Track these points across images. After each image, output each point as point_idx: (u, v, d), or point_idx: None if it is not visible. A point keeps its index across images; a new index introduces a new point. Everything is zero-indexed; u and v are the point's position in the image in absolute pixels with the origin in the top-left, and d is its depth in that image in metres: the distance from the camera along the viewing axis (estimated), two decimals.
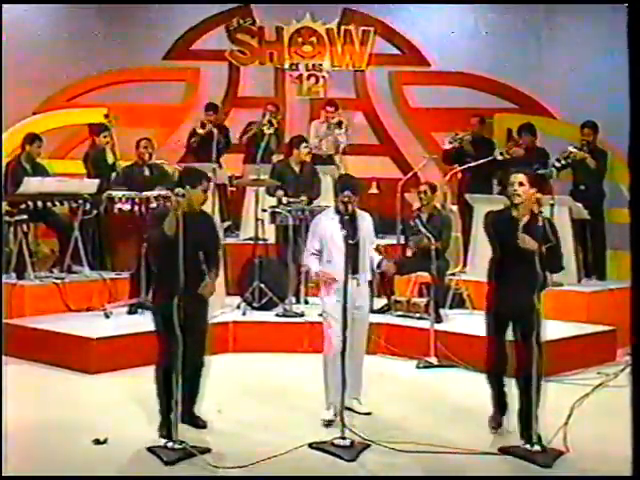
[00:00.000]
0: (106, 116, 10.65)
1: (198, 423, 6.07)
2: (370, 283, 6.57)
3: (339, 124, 11.24)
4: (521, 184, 5.93)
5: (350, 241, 5.94)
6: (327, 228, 6.19)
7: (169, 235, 5.57)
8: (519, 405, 5.84)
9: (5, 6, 10.02)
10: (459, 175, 11.05)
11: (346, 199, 6.08)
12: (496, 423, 6.13)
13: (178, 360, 5.54)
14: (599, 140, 9.93)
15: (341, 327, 5.85)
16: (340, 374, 5.76)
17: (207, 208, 8.90)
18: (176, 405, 5.56)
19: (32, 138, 9.61)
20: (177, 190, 5.68)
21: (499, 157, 10.18)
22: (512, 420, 6.05)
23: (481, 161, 10.24)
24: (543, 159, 9.98)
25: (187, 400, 5.92)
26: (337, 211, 6.20)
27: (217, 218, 9.84)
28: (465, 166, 10.56)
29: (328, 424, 6.06)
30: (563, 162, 9.62)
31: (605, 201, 9.97)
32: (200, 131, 11.21)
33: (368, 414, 6.39)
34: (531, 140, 10.42)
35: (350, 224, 6.02)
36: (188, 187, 5.78)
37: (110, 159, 10.28)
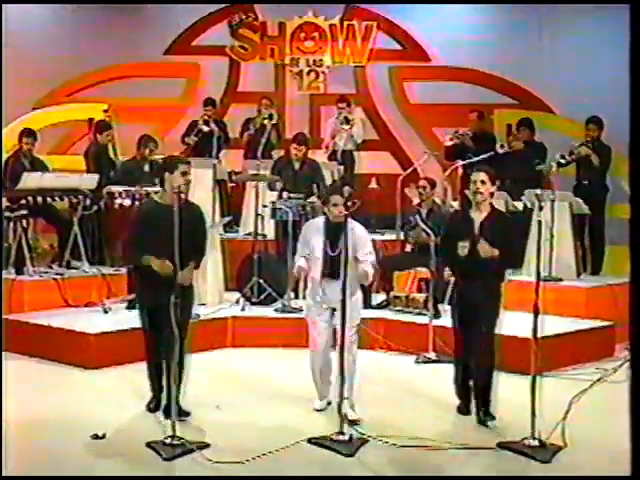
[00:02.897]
0: (105, 111, 10.64)
1: (181, 414, 5.94)
2: (362, 287, 6.44)
3: (346, 120, 11.23)
4: (483, 182, 6.06)
5: (331, 253, 6.10)
6: (313, 238, 6.25)
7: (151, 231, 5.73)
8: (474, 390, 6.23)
9: (5, 4, 10.03)
10: (460, 171, 11.06)
11: (339, 202, 6.07)
12: (465, 411, 6.30)
13: (167, 353, 5.69)
14: (603, 135, 9.94)
15: (323, 325, 6.23)
16: (331, 369, 5.98)
17: (207, 204, 9.11)
18: (176, 403, 5.58)
19: (22, 133, 9.62)
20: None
21: (500, 150, 10.20)
22: (509, 414, 6.07)
23: (482, 157, 10.23)
24: (541, 153, 10.05)
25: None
26: (326, 220, 6.22)
27: (217, 213, 9.85)
28: (465, 162, 10.56)
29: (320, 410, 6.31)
30: (568, 159, 9.63)
31: (608, 196, 9.97)
32: (205, 129, 11.23)
33: (356, 422, 5.93)
34: (529, 135, 10.45)
35: (335, 234, 6.00)
36: (167, 173, 5.91)
37: (112, 155, 10.29)
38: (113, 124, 10.58)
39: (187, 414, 6.04)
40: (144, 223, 5.96)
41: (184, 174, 5.86)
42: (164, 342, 5.74)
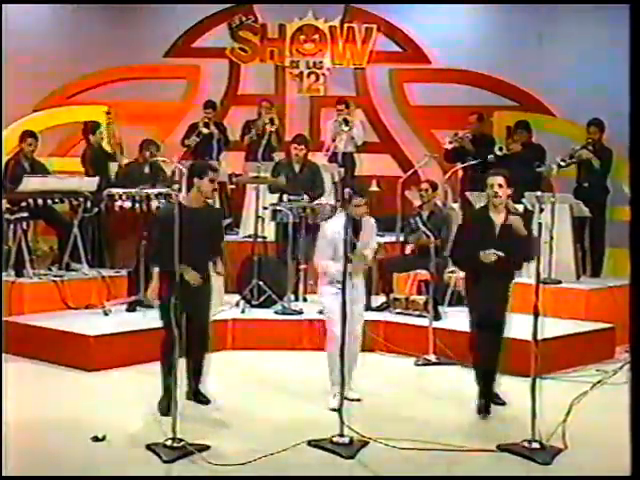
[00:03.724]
0: (107, 113, 10.63)
1: (202, 400, 6.56)
2: (366, 281, 6.90)
3: (345, 122, 11.21)
4: (500, 186, 6.23)
5: (353, 243, 6.26)
6: (336, 232, 6.39)
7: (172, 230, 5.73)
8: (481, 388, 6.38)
9: (5, 4, 10.03)
10: (460, 173, 11.07)
11: (362, 202, 6.48)
12: (485, 410, 6.34)
13: (179, 350, 5.77)
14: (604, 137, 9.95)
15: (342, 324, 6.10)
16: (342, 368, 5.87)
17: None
18: (175, 404, 5.58)
19: (24, 135, 9.61)
20: (175, 186, 5.96)
21: (498, 152, 10.22)
22: (509, 416, 6.07)
23: (481, 160, 10.25)
24: (539, 155, 10.04)
25: (193, 380, 6.54)
26: (347, 216, 6.23)
27: None
28: (465, 164, 10.57)
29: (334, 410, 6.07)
30: (568, 161, 9.64)
31: (608, 198, 9.98)
32: (205, 131, 11.25)
33: (358, 400, 6.59)
34: (527, 137, 10.45)
35: (354, 228, 6.31)
36: (196, 178, 6.17)
37: (109, 149, 10.29)
38: (114, 126, 10.57)
39: (207, 401, 6.54)
40: (172, 225, 5.90)
41: (212, 181, 6.19)
42: (192, 339, 6.11)
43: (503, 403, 6.56)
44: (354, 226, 6.34)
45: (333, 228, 6.50)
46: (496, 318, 6.24)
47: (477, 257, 6.13)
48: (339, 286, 6.20)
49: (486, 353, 6.27)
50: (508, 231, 6.20)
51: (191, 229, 5.79)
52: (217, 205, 9.92)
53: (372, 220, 6.74)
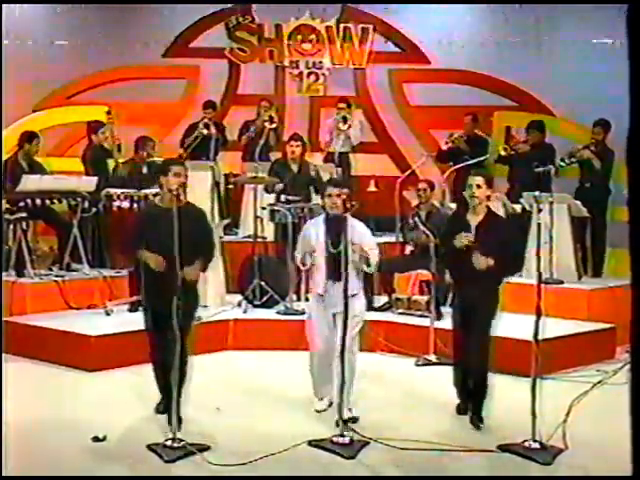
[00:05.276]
0: (108, 112, 10.64)
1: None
2: (365, 290, 6.40)
3: (343, 119, 11.18)
4: (479, 186, 6.08)
5: (332, 250, 5.98)
6: (313, 235, 6.18)
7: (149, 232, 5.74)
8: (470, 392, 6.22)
9: (5, 5, 10.03)
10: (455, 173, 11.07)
11: (334, 192, 6.02)
12: (463, 411, 6.30)
13: (170, 356, 5.56)
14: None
15: (324, 327, 6.15)
16: (331, 370, 5.91)
17: (205, 206, 9.08)
18: (177, 404, 5.58)
19: (30, 136, 9.60)
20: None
21: (503, 152, 10.19)
22: (509, 417, 6.07)
23: (477, 159, 10.24)
24: (551, 156, 9.98)
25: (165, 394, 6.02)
26: (326, 216, 6.17)
27: (216, 216, 9.83)
28: (461, 164, 10.56)
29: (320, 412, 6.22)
30: (567, 161, 9.63)
31: (610, 199, 9.96)
32: (205, 132, 11.23)
33: (353, 420, 5.98)
34: (539, 137, 10.39)
35: (335, 230, 5.94)
36: (162, 176, 5.93)
37: (109, 147, 10.28)
38: (114, 126, 10.56)
39: (180, 421, 5.78)
40: (143, 225, 6.04)
41: (177, 175, 5.86)
42: (168, 344, 5.64)
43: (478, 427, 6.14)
44: (335, 225, 5.96)
45: (309, 226, 6.31)
46: (476, 319, 6.05)
47: (455, 258, 6.08)
48: (320, 291, 6.16)
49: (464, 353, 6.19)
50: (485, 232, 6.04)
51: (164, 229, 5.55)
52: (216, 205, 9.90)
53: (359, 224, 6.14)
